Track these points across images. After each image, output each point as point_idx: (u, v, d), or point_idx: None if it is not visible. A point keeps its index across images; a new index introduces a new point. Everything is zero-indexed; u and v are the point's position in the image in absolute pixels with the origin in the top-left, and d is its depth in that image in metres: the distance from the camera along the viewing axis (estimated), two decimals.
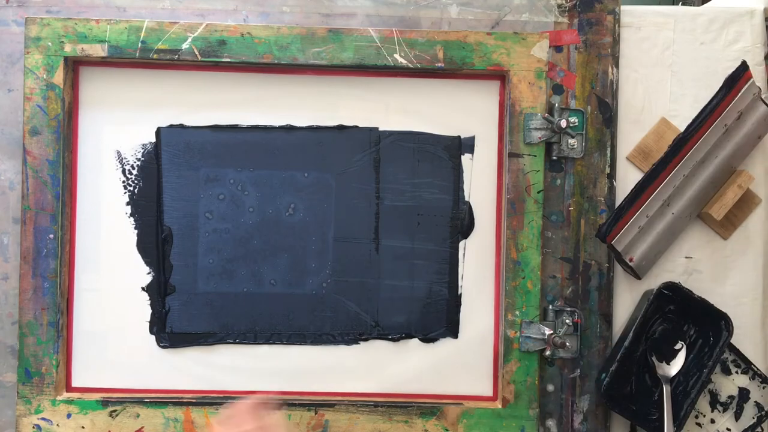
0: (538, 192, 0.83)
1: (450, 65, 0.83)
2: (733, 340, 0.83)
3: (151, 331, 0.84)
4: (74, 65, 0.83)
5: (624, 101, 0.87)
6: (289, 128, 0.86)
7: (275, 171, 0.86)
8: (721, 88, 0.84)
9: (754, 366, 0.86)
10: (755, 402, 0.86)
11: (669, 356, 0.84)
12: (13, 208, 0.83)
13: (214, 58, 0.81)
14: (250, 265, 0.85)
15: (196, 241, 0.85)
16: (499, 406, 0.83)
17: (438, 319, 0.87)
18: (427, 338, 0.86)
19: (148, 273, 0.84)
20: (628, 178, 0.86)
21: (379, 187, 0.86)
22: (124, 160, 0.84)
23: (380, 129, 0.86)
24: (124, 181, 0.84)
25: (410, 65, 0.83)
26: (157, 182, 0.85)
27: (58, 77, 0.80)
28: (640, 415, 0.83)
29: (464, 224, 0.87)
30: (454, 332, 0.86)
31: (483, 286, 0.87)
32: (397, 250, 0.86)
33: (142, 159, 0.84)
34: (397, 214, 0.86)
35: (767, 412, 0.86)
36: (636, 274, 0.84)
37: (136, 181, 0.84)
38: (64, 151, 0.81)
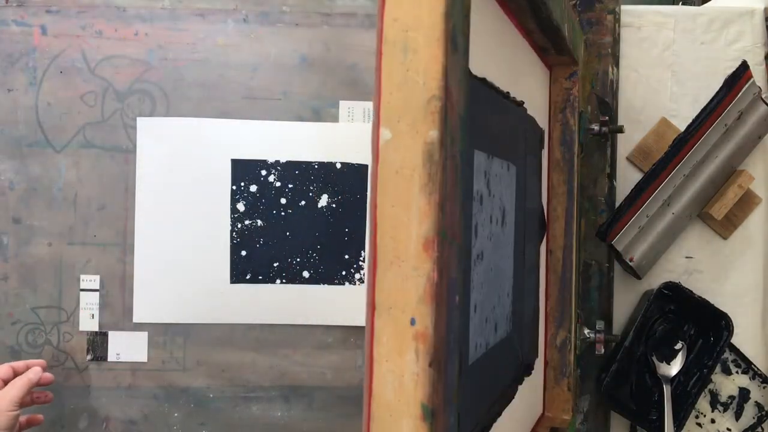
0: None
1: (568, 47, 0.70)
2: (734, 340, 0.83)
3: None
4: None
5: (624, 101, 0.87)
6: None
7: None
8: (721, 88, 0.84)
9: (755, 366, 0.86)
10: (755, 402, 0.86)
11: (669, 356, 0.84)
12: (13, 208, 0.83)
13: None
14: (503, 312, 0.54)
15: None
16: (570, 416, 0.76)
17: (534, 342, 0.69)
18: (530, 368, 0.68)
19: None
20: (628, 178, 0.86)
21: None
22: None
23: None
24: None
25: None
26: None
27: None
28: (640, 415, 0.83)
29: (542, 229, 0.74)
30: (537, 352, 0.72)
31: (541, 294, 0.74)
32: (527, 262, 0.65)
33: None
34: (529, 217, 0.66)
35: (767, 412, 0.86)
36: (636, 274, 0.84)
37: None
38: None
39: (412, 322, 0.28)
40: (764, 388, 0.86)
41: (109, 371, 0.84)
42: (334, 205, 0.84)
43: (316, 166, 0.84)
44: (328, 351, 0.86)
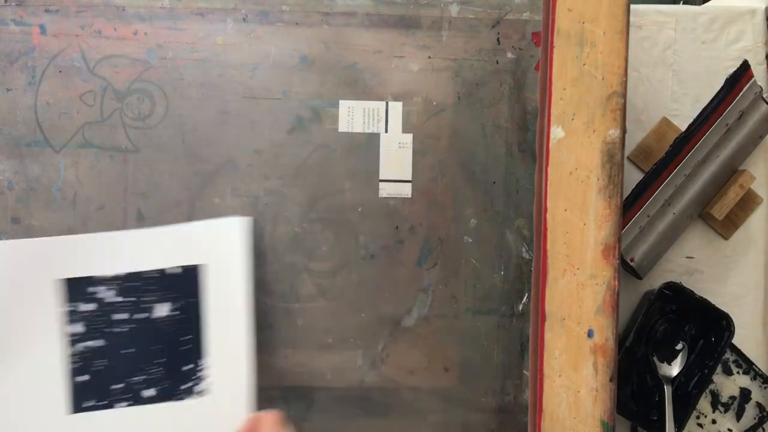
0: None
1: None
2: (735, 341, 0.83)
3: None
4: None
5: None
6: None
7: None
8: (722, 88, 0.84)
9: (756, 366, 0.86)
10: (756, 402, 0.86)
11: (670, 356, 0.84)
12: (12, 207, 0.82)
13: None
14: None
15: None
16: None
17: None
18: None
19: None
20: (628, 178, 0.86)
21: None
22: None
23: None
24: None
25: None
26: None
27: None
28: (641, 416, 0.83)
29: None
30: None
31: None
32: None
33: None
34: None
35: None
36: (637, 274, 0.84)
37: None
38: None
39: (590, 334, 0.24)
40: (765, 388, 0.86)
41: None
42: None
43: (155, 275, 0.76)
44: (328, 351, 0.86)
